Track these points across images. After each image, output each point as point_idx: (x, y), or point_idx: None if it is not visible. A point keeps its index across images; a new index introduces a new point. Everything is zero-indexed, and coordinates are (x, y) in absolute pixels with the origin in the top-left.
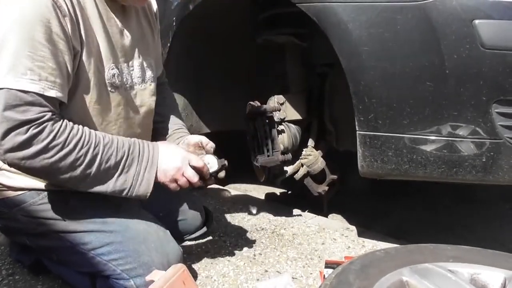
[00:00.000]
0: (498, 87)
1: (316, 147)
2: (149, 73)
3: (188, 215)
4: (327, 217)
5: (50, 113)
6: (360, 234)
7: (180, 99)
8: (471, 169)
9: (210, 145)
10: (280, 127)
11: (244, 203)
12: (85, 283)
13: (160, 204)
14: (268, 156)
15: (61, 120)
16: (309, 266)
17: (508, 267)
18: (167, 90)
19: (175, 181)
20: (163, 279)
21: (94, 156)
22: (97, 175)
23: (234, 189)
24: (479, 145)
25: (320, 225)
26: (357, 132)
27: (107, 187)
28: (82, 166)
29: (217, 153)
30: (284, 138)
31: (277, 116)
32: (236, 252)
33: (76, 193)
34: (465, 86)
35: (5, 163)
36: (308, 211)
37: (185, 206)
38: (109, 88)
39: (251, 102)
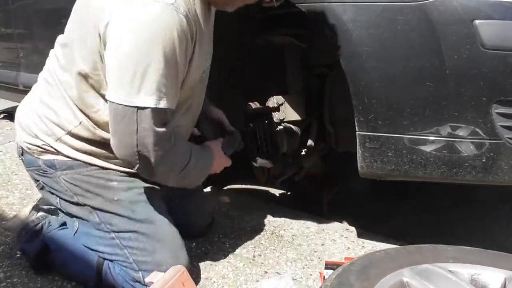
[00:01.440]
0: (499, 87)
1: (315, 148)
2: (209, 63)
3: (196, 218)
4: (326, 218)
5: (170, 131)
6: (360, 235)
7: None
8: (471, 170)
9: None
10: (280, 128)
11: (243, 205)
12: (91, 273)
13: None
14: (268, 157)
15: (171, 132)
16: (309, 267)
17: (508, 267)
18: None
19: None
20: (163, 281)
21: (178, 158)
22: (178, 170)
23: (233, 191)
24: (479, 146)
25: (320, 226)
26: (357, 132)
27: (178, 179)
28: (172, 162)
29: None
30: (283, 139)
31: (276, 117)
32: (236, 253)
33: (120, 176)
34: (465, 87)
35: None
36: (307, 212)
37: (194, 208)
38: (199, 85)
39: (250, 103)
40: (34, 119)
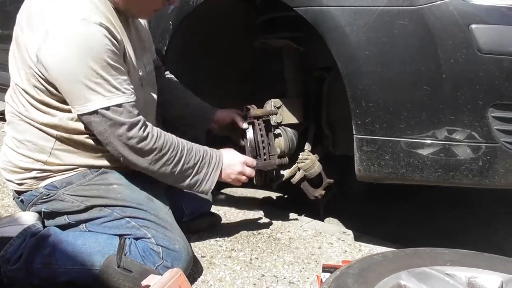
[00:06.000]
0: (495, 91)
1: (313, 151)
2: (150, 67)
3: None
4: (323, 221)
5: (145, 125)
6: (357, 238)
7: None
8: (467, 173)
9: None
10: (277, 131)
11: (240, 208)
12: (102, 256)
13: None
14: (265, 160)
15: (153, 130)
16: (306, 270)
17: (505, 270)
18: (168, 74)
19: (237, 180)
20: (160, 283)
21: (180, 158)
22: (180, 172)
23: (231, 193)
24: (476, 149)
25: (317, 229)
26: (354, 136)
27: (184, 182)
28: (172, 165)
29: None
30: (281, 142)
31: (274, 119)
32: (233, 256)
33: (117, 179)
34: (462, 90)
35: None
36: (304, 215)
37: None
38: (141, 87)
39: (248, 106)
40: (15, 156)
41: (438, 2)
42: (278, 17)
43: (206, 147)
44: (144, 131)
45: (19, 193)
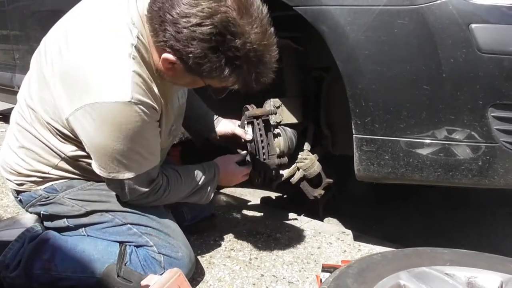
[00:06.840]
0: (495, 91)
1: (312, 150)
2: (183, 99)
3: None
4: (322, 221)
5: (158, 182)
6: (356, 238)
7: None
8: (467, 173)
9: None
10: (276, 131)
11: (239, 207)
12: (103, 264)
13: None
14: (264, 159)
15: (162, 181)
16: (305, 270)
17: (504, 270)
18: None
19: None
20: (159, 283)
21: (181, 192)
22: (182, 198)
23: (230, 193)
24: (475, 149)
25: (316, 229)
26: (354, 135)
27: (185, 200)
28: (174, 197)
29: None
30: (280, 142)
31: (273, 119)
32: (232, 256)
33: None
34: (462, 90)
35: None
36: (304, 215)
37: None
38: (169, 137)
39: (247, 105)
40: (15, 160)
41: (438, 1)
42: (277, 17)
43: (202, 172)
44: (155, 193)
45: (18, 192)
